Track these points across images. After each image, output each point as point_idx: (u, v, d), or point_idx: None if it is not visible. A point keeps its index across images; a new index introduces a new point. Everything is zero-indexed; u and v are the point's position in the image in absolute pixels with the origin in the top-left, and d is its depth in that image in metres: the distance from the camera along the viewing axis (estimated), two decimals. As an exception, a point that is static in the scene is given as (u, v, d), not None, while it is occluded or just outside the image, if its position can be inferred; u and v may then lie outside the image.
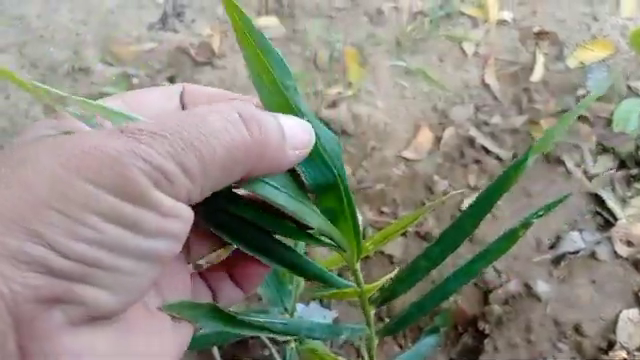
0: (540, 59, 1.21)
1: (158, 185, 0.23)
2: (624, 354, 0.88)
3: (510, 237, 0.46)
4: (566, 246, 0.99)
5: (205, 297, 0.34)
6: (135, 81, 1.14)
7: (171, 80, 1.14)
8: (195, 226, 0.34)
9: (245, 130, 0.25)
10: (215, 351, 0.90)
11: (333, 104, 1.14)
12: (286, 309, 0.73)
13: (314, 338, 0.49)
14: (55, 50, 1.18)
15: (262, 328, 0.41)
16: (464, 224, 0.44)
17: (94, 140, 0.23)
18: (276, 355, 0.91)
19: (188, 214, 0.25)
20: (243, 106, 0.26)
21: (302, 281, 0.70)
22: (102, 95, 1.14)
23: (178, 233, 0.25)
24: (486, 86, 1.19)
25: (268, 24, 1.24)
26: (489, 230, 1.02)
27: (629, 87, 1.20)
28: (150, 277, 0.25)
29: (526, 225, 0.45)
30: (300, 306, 0.98)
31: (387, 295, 0.52)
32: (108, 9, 1.26)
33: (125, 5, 1.27)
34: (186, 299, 0.33)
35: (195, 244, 0.34)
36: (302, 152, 0.28)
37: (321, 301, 0.98)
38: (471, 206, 0.43)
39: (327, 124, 1.10)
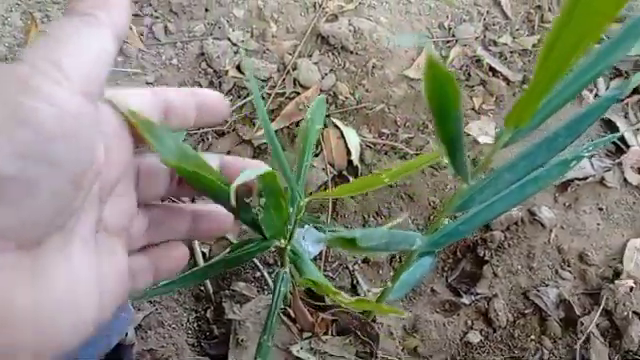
0: (556, -25, 1.12)
1: (52, 79, 0.24)
2: (631, 283, 0.84)
3: (561, 166, 0.50)
4: (574, 172, 0.94)
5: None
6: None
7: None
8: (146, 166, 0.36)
9: None
10: (204, 272, 0.86)
11: (334, 18, 1.06)
12: (284, 235, 0.68)
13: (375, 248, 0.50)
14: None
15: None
16: (554, 144, 0.47)
17: None
18: (267, 277, 0.87)
19: (88, 110, 0.26)
20: None
21: (304, 205, 0.65)
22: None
23: (77, 133, 0.25)
24: (497, 3, 1.11)
25: None
26: (496, 157, 0.97)
27: (650, 8, 1.12)
28: (58, 193, 0.25)
29: (578, 157, 0.51)
30: (300, 230, 0.93)
31: (466, 200, 0.51)
32: None
33: None
34: None
35: (145, 183, 0.35)
36: None
37: (316, 226, 0.94)
38: (563, 127, 0.47)
39: (326, 38, 1.03)
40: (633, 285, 0.83)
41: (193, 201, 0.79)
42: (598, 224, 0.91)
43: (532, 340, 0.82)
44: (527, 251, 0.89)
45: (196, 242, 0.88)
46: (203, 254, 0.88)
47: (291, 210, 0.66)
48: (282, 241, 0.66)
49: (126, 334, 0.66)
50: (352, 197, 0.94)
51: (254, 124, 0.98)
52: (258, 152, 0.98)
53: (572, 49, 0.34)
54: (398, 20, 1.07)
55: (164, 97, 0.34)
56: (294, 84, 1.01)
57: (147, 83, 0.97)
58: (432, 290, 0.89)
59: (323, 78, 1.01)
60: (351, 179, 0.95)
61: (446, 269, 0.92)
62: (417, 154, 0.97)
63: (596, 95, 1.05)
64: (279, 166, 0.59)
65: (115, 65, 0.98)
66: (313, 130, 0.67)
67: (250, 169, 0.37)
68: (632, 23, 0.46)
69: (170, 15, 1.04)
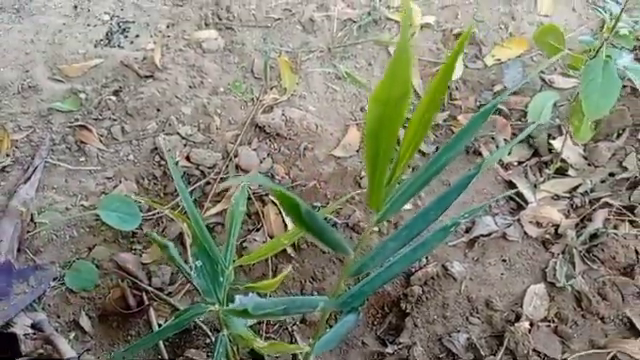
0: (460, 59, 1.30)
1: None
2: (527, 325, 0.98)
3: (443, 231, 0.63)
4: (480, 229, 1.09)
5: None
6: (82, 96, 1.22)
7: (116, 94, 1.22)
8: None
9: None
10: (160, 342, 0.98)
11: (269, 109, 1.23)
12: (219, 300, 0.82)
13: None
14: (5, 70, 1.25)
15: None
16: (427, 217, 0.61)
17: None
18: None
19: None
20: None
21: (232, 273, 0.79)
22: (51, 111, 1.20)
23: None
24: (410, 86, 1.28)
25: (208, 36, 1.33)
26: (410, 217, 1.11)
27: (543, 80, 1.30)
28: None
29: (455, 224, 0.63)
30: (240, 297, 1.06)
31: (360, 267, 0.65)
32: (56, 28, 1.34)
33: (72, 24, 1.34)
34: None
35: None
36: None
37: (259, 292, 1.07)
38: (434, 203, 0.60)
39: (263, 128, 1.19)
40: (529, 327, 0.96)
41: None
42: (502, 274, 1.05)
43: (447, 381, 0.95)
44: (442, 302, 1.02)
45: (152, 314, 1.00)
46: (159, 324, 1.00)
47: (221, 279, 0.80)
48: (216, 306, 0.79)
49: (87, 401, 0.77)
50: (290, 263, 1.08)
51: (202, 206, 1.13)
52: (208, 230, 1.11)
53: (383, 164, 0.49)
54: (325, 107, 1.24)
55: None
56: (236, 169, 1.16)
57: (107, 178, 1.11)
58: (362, 342, 1.02)
59: (261, 162, 1.16)
60: (289, 250, 1.09)
61: (375, 323, 1.05)
62: (346, 223, 1.11)
63: (500, 161, 1.20)
64: (206, 243, 0.73)
65: (77, 164, 1.13)
66: (237, 211, 0.82)
67: None
68: (472, 121, 0.62)
69: (126, 117, 1.20)
